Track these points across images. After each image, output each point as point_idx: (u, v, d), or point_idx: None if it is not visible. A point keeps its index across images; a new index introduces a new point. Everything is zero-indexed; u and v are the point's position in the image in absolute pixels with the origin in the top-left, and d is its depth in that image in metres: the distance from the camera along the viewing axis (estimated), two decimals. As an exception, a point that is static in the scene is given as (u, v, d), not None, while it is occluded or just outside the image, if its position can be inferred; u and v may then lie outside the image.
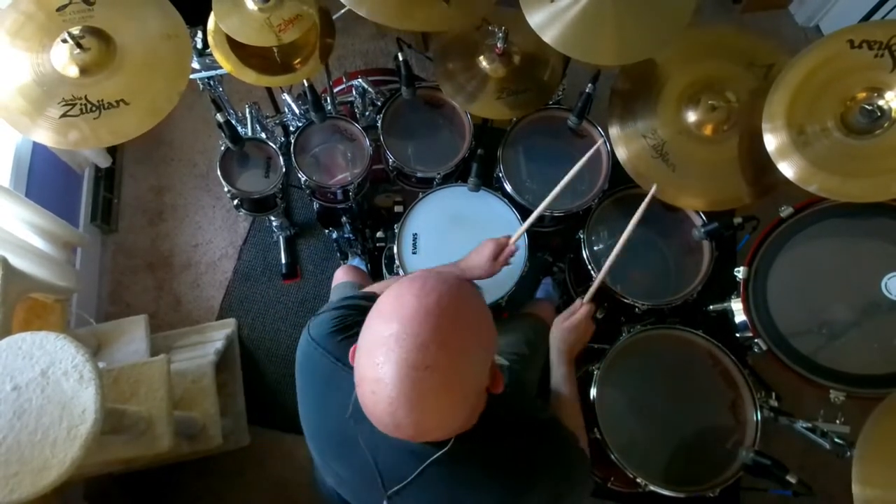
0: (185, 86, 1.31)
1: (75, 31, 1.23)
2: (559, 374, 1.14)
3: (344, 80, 2.04)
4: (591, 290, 1.21)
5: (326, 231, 2.19)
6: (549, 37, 1.32)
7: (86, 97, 1.23)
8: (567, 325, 1.16)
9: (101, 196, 2.24)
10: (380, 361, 0.65)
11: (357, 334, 0.77)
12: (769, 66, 1.43)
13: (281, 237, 2.23)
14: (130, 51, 1.28)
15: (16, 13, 1.24)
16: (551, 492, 0.85)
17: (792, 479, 1.32)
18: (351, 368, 0.82)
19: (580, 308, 1.17)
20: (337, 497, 1.01)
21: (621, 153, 1.48)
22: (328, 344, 0.91)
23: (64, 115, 1.22)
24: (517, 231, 1.29)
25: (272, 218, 2.12)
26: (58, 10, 1.25)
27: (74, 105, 1.22)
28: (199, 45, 1.55)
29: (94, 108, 1.23)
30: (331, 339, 0.92)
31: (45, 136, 1.22)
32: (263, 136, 1.85)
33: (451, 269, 1.18)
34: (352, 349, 0.74)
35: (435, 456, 0.77)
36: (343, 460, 0.88)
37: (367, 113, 1.91)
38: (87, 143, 1.24)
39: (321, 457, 0.92)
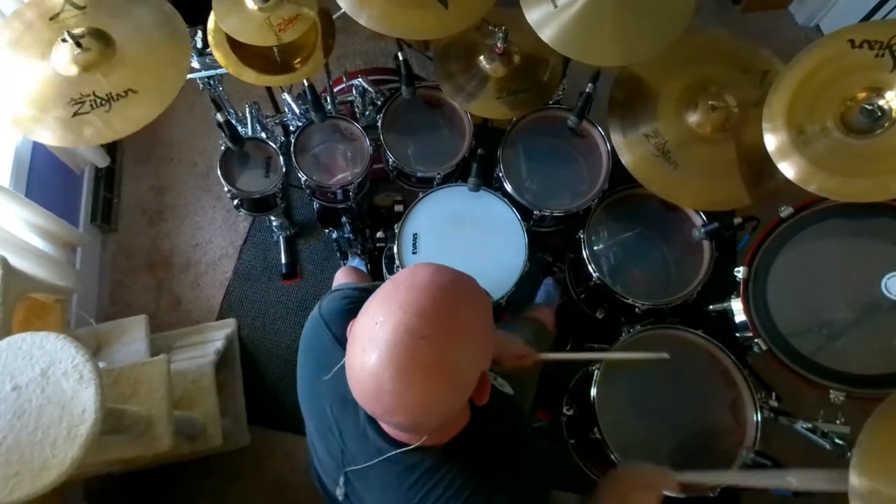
0: (189, 66, 1.32)
1: (75, 31, 1.23)
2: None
3: (344, 79, 2.04)
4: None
5: (326, 231, 2.19)
6: (548, 38, 1.32)
7: (94, 93, 1.24)
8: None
9: (101, 196, 2.23)
10: (379, 321, 0.64)
11: None
12: (764, 72, 1.44)
13: (281, 237, 2.23)
14: (129, 44, 1.28)
15: (15, 22, 1.25)
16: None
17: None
18: (342, 349, 0.80)
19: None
20: (319, 482, 1.01)
21: (624, 154, 1.48)
22: (334, 323, 0.90)
23: (76, 114, 1.22)
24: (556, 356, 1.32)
25: (272, 218, 2.12)
26: (51, 19, 1.26)
27: (84, 102, 1.23)
28: (199, 45, 1.55)
29: (103, 102, 1.24)
30: (337, 319, 0.90)
31: (59, 137, 1.23)
32: (263, 135, 1.84)
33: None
34: (352, 322, 0.72)
35: (392, 453, 0.75)
36: (323, 439, 0.88)
37: (367, 112, 1.91)
38: (104, 137, 1.24)
39: (310, 436, 0.93)
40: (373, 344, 0.64)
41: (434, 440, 0.77)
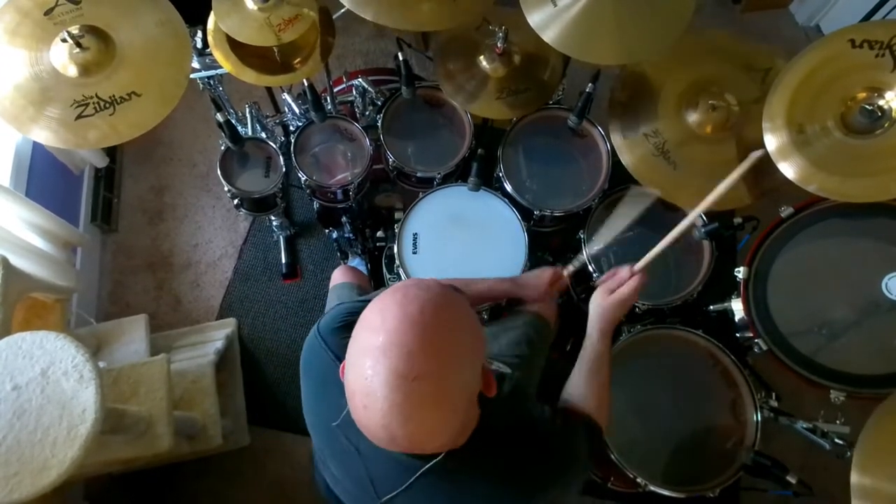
0: (190, 67, 1.31)
1: (74, 30, 1.23)
2: (594, 352, 1.06)
3: (344, 79, 2.04)
4: (646, 260, 1.08)
5: (326, 231, 2.19)
6: (548, 37, 1.32)
7: (96, 95, 1.23)
8: (615, 300, 1.06)
9: (102, 196, 2.23)
10: (369, 375, 0.64)
11: None
12: (767, 70, 1.44)
13: (281, 237, 2.23)
14: (129, 44, 1.27)
15: (11, 12, 1.23)
16: (549, 497, 0.85)
17: (792, 480, 1.32)
18: None
19: (630, 279, 1.06)
20: (333, 498, 1.01)
21: (623, 154, 1.48)
22: (331, 340, 0.90)
23: (80, 117, 1.22)
24: (572, 266, 1.27)
25: (272, 217, 2.12)
26: (45, 13, 1.25)
27: (87, 105, 1.23)
28: (199, 45, 1.55)
29: (107, 105, 1.23)
30: (335, 336, 0.90)
31: (63, 139, 1.22)
32: (263, 135, 1.84)
33: (502, 282, 1.15)
34: (341, 366, 0.73)
35: (424, 468, 0.76)
36: (337, 461, 0.88)
37: (367, 112, 1.91)
38: (108, 140, 1.24)
39: (319, 452, 0.92)
40: (370, 398, 0.64)
41: (460, 441, 0.77)
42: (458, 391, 0.68)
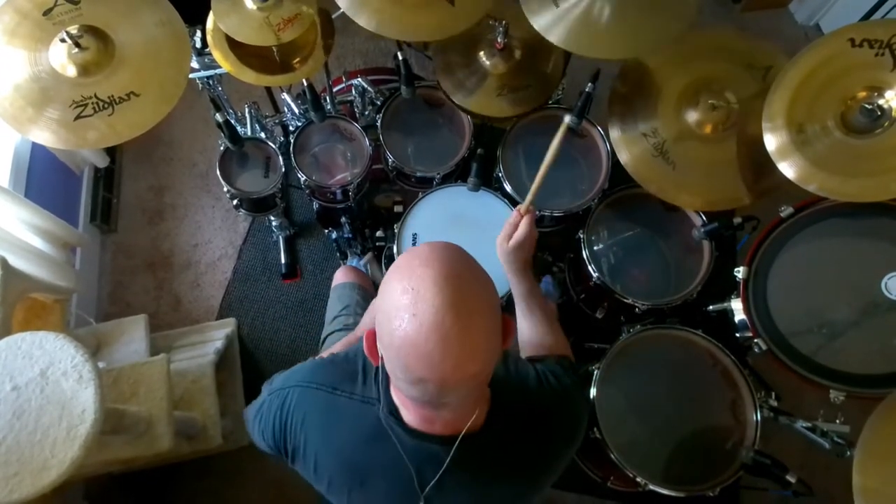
0: (189, 67, 1.31)
1: (73, 30, 1.22)
2: (522, 291, 1.11)
3: (343, 79, 2.04)
4: (530, 196, 1.13)
5: (326, 231, 2.19)
6: (554, 37, 1.31)
7: (95, 95, 1.23)
8: (514, 245, 1.09)
9: (101, 196, 2.23)
10: (414, 286, 0.66)
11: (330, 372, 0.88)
12: (768, 68, 1.43)
13: (280, 237, 2.23)
14: (128, 44, 1.27)
15: (10, 12, 1.23)
16: (567, 458, 0.92)
17: (792, 479, 1.32)
18: (345, 392, 0.87)
19: (520, 220, 1.10)
20: None
21: (622, 153, 1.48)
22: (317, 378, 0.91)
23: (79, 117, 1.22)
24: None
25: (272, 218, 2.12)
26: (44, 14, 1.24)
27: (86, 105, 1.23)
28: (198, 45, 1.55)
29: (106, 105, 1.23)
30: (317, 373, 0.92)
31: (62, 139, 1.22)
32: (263, 135, 1.84)
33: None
34: (366, 334, 0.75)
35: (450, 454, 0.78)
36: (368, 483, 0.87)
37: (366, 112, 1.91)
38: (107, 140, 1.25)
39: (341, 495, 0.90)
40: (420, 302, 0.65)
41: (481, 415, 0.80)
42: (495, 307, 0.71)
